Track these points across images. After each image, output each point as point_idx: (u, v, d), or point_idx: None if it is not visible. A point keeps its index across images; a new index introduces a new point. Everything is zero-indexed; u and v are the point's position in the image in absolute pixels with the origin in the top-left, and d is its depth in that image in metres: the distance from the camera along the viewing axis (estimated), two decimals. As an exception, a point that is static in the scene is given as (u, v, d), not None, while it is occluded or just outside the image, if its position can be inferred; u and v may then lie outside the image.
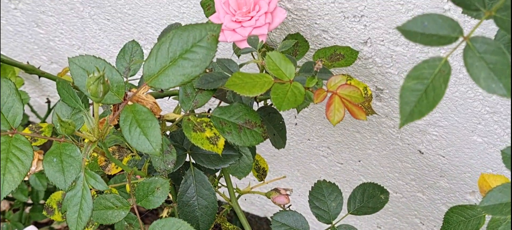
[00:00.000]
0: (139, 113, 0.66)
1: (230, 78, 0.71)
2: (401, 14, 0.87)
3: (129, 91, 0.75)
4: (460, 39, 0.53)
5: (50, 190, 1.33)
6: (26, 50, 1.37)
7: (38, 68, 1.01)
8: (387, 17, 0.88)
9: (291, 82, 0.73)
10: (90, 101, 0.93)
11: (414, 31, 0.53)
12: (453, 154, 1.06)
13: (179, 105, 0.82)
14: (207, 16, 0.95)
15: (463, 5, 0.53)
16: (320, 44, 0.97)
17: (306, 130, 1.20)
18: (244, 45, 0.86)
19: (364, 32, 0.92)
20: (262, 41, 0.83)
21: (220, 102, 0.90)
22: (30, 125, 0.94)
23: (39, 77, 1.01)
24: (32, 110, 1.39)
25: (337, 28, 0.93)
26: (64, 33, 1.26)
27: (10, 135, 0.68)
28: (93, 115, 0.67)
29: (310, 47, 0.97)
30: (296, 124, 1.20)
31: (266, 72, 0.79)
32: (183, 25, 1.07)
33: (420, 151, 1.09)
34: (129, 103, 0.67)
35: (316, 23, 0.94)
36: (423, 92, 0.53)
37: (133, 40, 0.98)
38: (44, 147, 0.99)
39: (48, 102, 1.23)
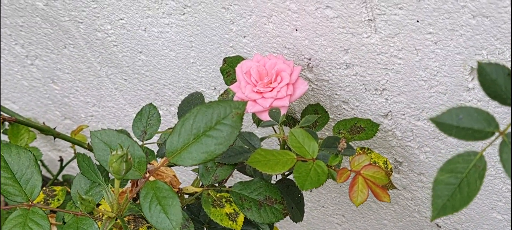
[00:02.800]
0: (160, 190, 0.65)
1: (253, 155, 0.70)
2: (424, 90, 0.86)
3: (149, 163, 0.74)
4: (496, 134, 0.52)
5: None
6: (40, 105, 1.36)
7: (54, 128, 1.00)
8: (409, 92, 0.87)
9: (314, 160, 0.72)
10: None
11: (449, 124, 0.52)
12: (472, 229, 1.04)
13: (199, 178, 0.81)
14: (226, 83, 0.94)
15: (500, 99, 0.52)
16: (339, 115, 0.96)
17: (321, 197, 1.18)
18: (265, 116, 0.85)
19: (385, 105, 0.91)
20: (283, 114, 0.82)
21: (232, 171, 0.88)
22: (44, 188, 0.92)
23: (55, 138, 1.00)
24: (43, 165, 1.38)
25: (357, 100, 0.93)
26: (79, 90, 1.25)
27: (27, 207, 0.66)
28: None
29: (330, 117, 0.96)
30: (311, 190, 1.18)
31: (287, 147, 0.78)
32: (201, 91, 1.06)
33: (437, 225, 1.07)
34: (150, 178, 0.66)
35: (336, 94, 0.93)
36: (457, 187, 0.52)
37: (150, 104, 0.97)
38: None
39: (61, 160, 1.22)
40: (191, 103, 0.87)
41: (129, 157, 0.60)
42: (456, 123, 0.52)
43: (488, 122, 0.52)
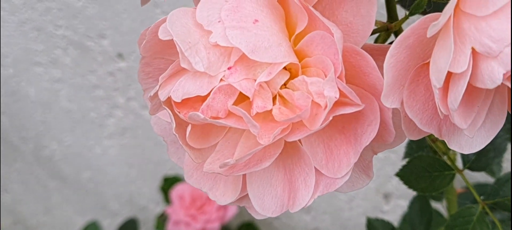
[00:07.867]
0: None
1: None
2: (345, 211, 0.92)
3: None
4: None
5: None
6: (-8, 212, 1.40)
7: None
8: (332, 212, 0.94)
9: None
10: None
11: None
12: None
13: None
14: (166, 201, 1.00)
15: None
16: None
17: None
18: (197, 238, 0.90)
19: (312, 223, 0.97)
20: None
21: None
22: None
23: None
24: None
25: (287, 217, 0.99)
26: (30, 200, 1.30)
27: None
28: None
29: (263, 232, 1.02)
30: None
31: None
32: (143, 205, 1.12)
33: None
34: None
35: (268, 211, 0.99)
36: None
37: (93, 223, 1.02)
38: None
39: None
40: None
41: None
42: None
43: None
